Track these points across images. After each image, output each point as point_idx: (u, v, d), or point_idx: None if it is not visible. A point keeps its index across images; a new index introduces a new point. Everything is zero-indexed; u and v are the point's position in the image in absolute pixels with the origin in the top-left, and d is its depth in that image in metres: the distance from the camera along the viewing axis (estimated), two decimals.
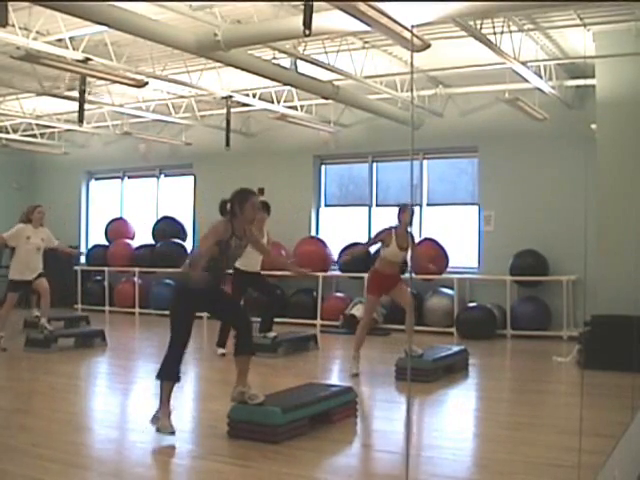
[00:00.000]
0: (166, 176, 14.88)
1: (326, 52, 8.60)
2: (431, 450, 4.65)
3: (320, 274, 11.71)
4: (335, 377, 7.57)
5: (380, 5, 5.65)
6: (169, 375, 4.82)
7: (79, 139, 15.14)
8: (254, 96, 10.92)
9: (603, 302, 7.91)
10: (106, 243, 14.42)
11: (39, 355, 8.20)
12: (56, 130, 14.32)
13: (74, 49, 8.12)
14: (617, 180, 8.20)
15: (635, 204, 7.65)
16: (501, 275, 10.65)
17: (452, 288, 10.93)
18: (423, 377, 6.58)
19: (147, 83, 9.47)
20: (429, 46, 6.97)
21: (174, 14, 7.40)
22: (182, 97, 11.71)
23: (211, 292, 4.94)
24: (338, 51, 8.67)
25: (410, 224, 7.40)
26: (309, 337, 9.19)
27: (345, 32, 7.70)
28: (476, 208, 11.47)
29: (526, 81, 8.96)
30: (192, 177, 14.28)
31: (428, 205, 12.09)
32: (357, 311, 10.88)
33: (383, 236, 7.15)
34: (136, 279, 13.49)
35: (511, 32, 7.80)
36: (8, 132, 13.80)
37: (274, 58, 8.97)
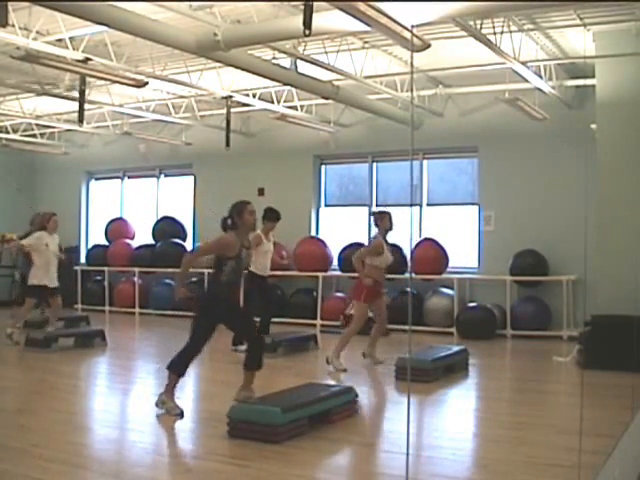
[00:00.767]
0: (166, 176, 14.88)
1: (326, 52, 8.60)
2: (431, 450, 4.65)
3: (320, 274, 11.71)
4: (335, 377, 7.56)
5: (380, 5, 5.65)
6: (178, 370, 5.37)
7: (79, 139, 15.14)
8: (254, 96, 10.92)
9: (603, 302, 7.91)
10: (106, 243, 14.43)
11: (39, 355, 8.20)
12: (56, 130, 14.32)
13: (74, 49, 8.12)
14: (617, 180, 8.20)
15: (635, 204, 7.66)
16: (501, 275, 10.65)
17: (452, 288, 10.93)
18: (423, 377, 6.57)
19: (147, 83, 9.48)
20: (429, 46, 6.97)
21: (174, 14, 7.40)
22: (182, 97, 11.72)
23: (230, 304, 5.47)
24: (338, 51, 8.67)
25: (390, 229, 7.57)
26: (309, 337, 9.20)
27: (345, 32, 7.70)
28: (476, 208, 11.47)
29: (526, 81, 8.96)
30: (192, 177, 14.28)
31: (428, 205, 12.10)
32: None
33: (379, 246, 7.35)
34: (136, 279, 13.50)
35: (511, 32, 7.80)
36: (8, 132, 13.80)
37: (274, 58, 8.97)
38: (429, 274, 10.98)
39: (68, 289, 13.66)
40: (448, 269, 11.27)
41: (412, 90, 10.93)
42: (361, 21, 5.88)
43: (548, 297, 10.49)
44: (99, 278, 14.08)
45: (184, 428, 5.18)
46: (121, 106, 11.85)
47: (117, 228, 14.47)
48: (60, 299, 9.24)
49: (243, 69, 8.36)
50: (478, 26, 7.22)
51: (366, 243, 12.09)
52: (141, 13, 7.05)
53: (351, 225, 12.68)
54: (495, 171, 11.19)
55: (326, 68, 8.67)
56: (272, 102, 11.08)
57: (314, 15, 5.82)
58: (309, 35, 5.89)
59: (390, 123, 11.11)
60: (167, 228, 13.80)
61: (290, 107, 11.29)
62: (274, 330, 8.99)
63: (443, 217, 11.97)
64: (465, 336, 10.14)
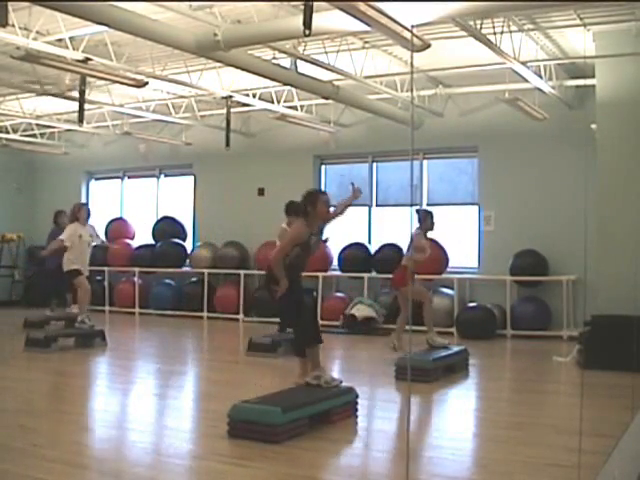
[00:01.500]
0: (166, 176, 14.87)
1: (326, 52, 8.60)
2: (431, 450, 4.65)
3: (320, 274, 11.71)
4: (335, 377, 7.55)
5: (380, 5, 5.65)
6: (309, 342, 5.58)
7: (79, 139, 15.13)
8: (254, 96, 10.92)
9: (603, 302, 7.91)
10: (106, 243, 14.40)
11: (39, 355, 8.20)
12: (56, 130, 14.32)
13: (74, 49, 8.12)
14: (617, 180, 8.20)
15: (635, 204, 7.65)
16: (501, 275, 10.65)
17: (452, 288, 10.93)
18: (423, 377, 6.58)
19: (147, 83, 9.48)
20: (429, 46, 6.97)
21: (174, 14, 7.40)
22: (182, 97, 11.72)
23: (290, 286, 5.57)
24: (338, 51, 8.67)
25: (431, 228, 8.04)
26: None
27: (345, 32, 7.70)
28: (476, 208, 11.47)
29: (526, 81, 8.96)
30: (192, 177, 14.28)
31: (428, 205, 12.03)
32: (357, 311, 10.87)
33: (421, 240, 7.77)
34: (136, 279, 13.49)
35: (511, 32, 7.80)
36: (8, 132, 13.80)
37: (274, 58, 8.97)
38: (429, 274, 10.97)
39: (68, 289, 13.70)
40: (448, 269, 11.27)
41: (412, 90, 10.93)
42: (361, 21, 5.88)
43: (548, 297, 10.49)
44: (99, 278, 14.06)
45: (184, 428, 5.18)
46: (121, 106, 11.85)
47: (117, 228, 14.46)
48: (88, 283, 9.55)
49: (243, 69, 8.36)
50: (478, 26, 7.22)
51: (365, 243, 12.13)
52: (141, 13, 7.05)
53: (351, 225, 12.66)
54: (495, 171, 11.19)
55: (326, 68, 8.67)
56: (272, 102, 11.08)
57: (314, 15, 5.82)
58: (309, 35, 5.89)
59: (390, 123, 11.11)
60: (167, 228, 13.79)
61: (290, 107, 11.29)
62: (274, 330, 8.98)
63: (443, 217, 11.93)
64: (465, 336, 10.14)
